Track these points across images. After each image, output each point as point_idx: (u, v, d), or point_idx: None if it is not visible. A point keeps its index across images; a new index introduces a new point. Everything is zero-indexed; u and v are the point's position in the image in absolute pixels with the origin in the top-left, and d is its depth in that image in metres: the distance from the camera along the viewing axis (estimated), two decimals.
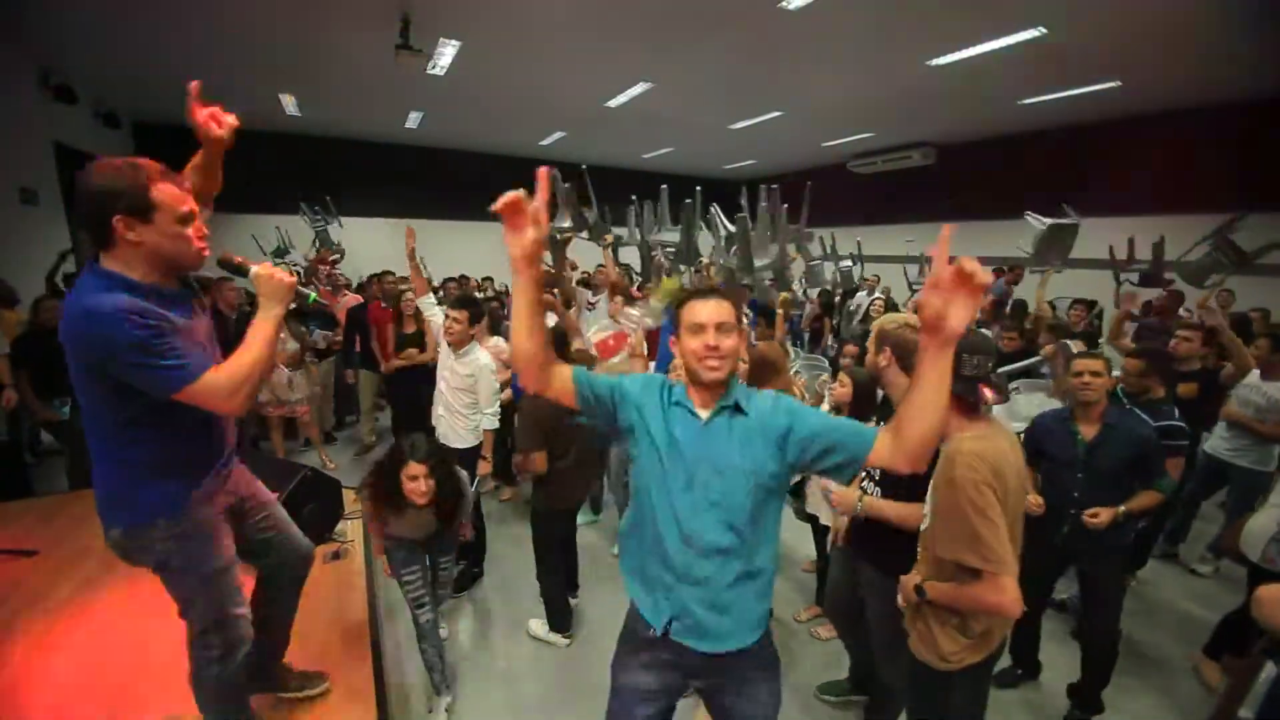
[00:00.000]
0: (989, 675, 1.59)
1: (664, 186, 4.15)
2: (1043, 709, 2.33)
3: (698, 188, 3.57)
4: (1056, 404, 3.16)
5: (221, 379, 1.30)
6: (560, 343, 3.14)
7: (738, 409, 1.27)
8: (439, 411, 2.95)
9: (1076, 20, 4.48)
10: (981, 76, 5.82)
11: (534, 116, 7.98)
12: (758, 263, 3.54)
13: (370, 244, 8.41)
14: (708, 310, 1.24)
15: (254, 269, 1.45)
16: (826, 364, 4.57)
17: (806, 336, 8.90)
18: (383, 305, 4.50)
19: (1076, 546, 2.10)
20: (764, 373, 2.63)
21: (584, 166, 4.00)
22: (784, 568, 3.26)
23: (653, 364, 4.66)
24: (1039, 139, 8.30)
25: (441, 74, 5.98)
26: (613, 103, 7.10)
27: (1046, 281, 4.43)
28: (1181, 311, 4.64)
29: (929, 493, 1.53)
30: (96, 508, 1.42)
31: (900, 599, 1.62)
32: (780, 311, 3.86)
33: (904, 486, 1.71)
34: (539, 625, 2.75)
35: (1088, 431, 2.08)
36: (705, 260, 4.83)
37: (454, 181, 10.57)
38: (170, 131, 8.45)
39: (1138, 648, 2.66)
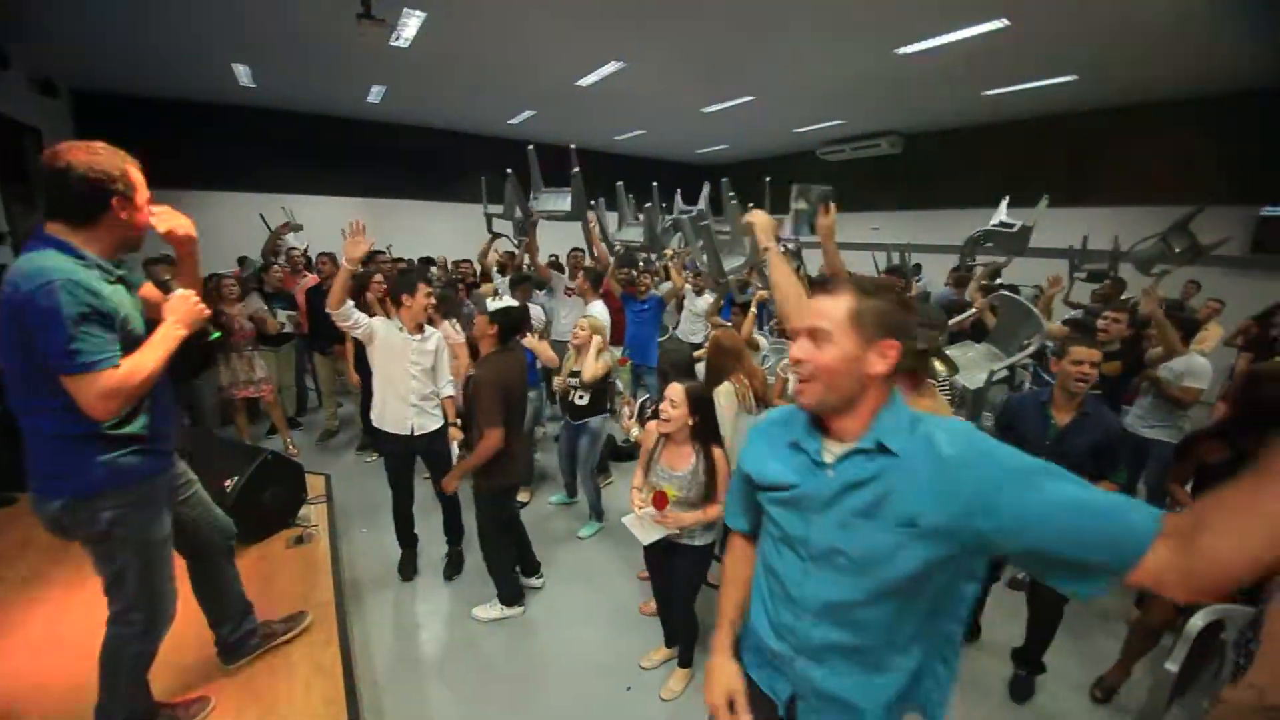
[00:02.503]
0: None
1: (619, 184, 3.96)
2: (983, 674, 2.46)
3: (654, 183, 3.49)
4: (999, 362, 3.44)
5: (104, 381, 1.31)
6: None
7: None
8: (411, 401, 2.74)
9: (1037, 13, 4.60)
10: (946, 67, 5.94)
11: (502, 93, 7.77)
12: (729, 264, 3.31)
13: (329, 222, 8.10)
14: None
15: (177, 291, 1.52)
16: None
17: (774, 322, 9.05)
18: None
19: None
20: (725, 361, 2.59)
21: (531, 147, 3.89)
22: None
23: (619, 349, 4.67)
24: (1003, 130, 8.55)
25: (405, 46, 5.77)
26: (584, 81, 6.98)
27: (981, 278, 4.63)
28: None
29: None
30: (31, 485, 1.42)
31: None
32: (754, 310, 3.90)
33: None
34: (488, 608, 2.70)
35: (1062, 417, 2.12)
36: (670, 251, 4.82)
37: (418, 159, 10.21)
38: (111, 100, 8.02)
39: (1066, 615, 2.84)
